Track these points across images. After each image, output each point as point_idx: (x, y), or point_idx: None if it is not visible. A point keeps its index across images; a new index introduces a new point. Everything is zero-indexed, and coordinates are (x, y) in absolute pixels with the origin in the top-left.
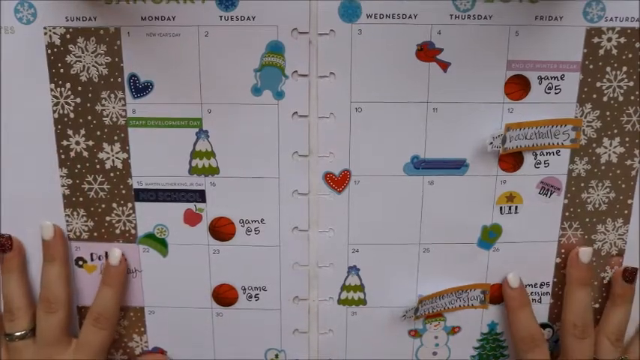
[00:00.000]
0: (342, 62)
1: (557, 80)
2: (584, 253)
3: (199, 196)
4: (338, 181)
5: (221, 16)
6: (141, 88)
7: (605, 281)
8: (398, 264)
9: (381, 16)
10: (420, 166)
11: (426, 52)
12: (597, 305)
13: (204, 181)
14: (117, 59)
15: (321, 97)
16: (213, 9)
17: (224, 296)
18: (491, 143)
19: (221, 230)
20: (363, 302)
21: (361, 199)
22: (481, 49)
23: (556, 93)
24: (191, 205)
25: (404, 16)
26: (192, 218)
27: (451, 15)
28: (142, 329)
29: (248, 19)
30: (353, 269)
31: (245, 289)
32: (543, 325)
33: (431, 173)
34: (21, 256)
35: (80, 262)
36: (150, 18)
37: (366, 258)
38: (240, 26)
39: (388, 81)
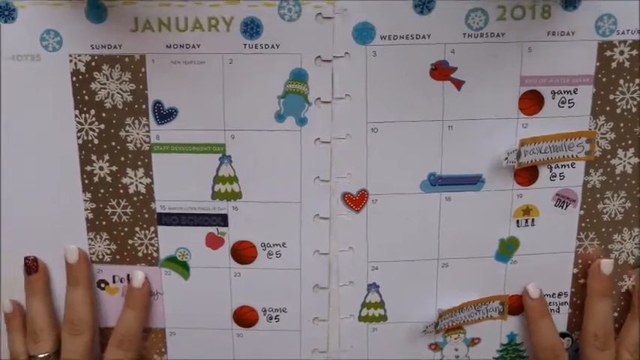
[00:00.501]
0: (357, 84)
1: (571, 94)
2: (606, 264)
3: (221, 220)
4: (356, 201)
5: (245, 44)
6: (165, 115)
7: (622, 290)
8: (417, 280)
9: (395, 37)
10: (437, 182)
11: (440, 71)
12: (616, 314)
13: (227, 205)
14: (141, 86)
15: (338, 118)
16: (237, 37)
17: (244, 317)
18: (507, 158)
19: (243, 253)
20: (383, 318)
21: (379, 218)
22: (494, 66)
23: (569, 107)
24: (213, 229)
25: (417, 37)
26: (214, 242)
27: (464, 34)
28: (163, 350)
29: (272, 47)
30: (373, 286)
31: (265, 310)
32: (562, 335)
33: (448, 190)
34: (45, 278)
35: (102, 285)
36: (175, 46)
37: (385, 275)
38: (264, 54)
39: (403, 101)
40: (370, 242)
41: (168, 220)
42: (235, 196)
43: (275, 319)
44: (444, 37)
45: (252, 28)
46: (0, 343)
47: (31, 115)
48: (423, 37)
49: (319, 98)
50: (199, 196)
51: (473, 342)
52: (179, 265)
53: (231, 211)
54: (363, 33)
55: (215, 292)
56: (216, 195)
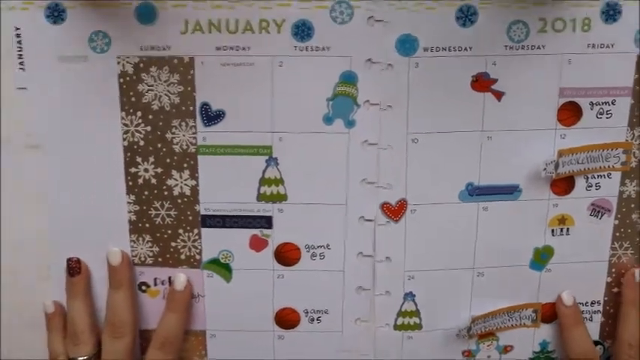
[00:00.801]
0: (399, 95)
1: (609, 105)
2: None
3: (266, 222)
4: (395, 211)
5: (296, 47)
6: (212, 117)
7: None
8: (453, 288)
9: (437, 49)
10: (475, 192)
11: (481, 82)
12: None
13: (272, 207)
14: (189, 88)
15: (379, 129)
16: (288, 39)
17: (286, 319)
18: (545, 169)
19: (286, 255)
20: (418, 327)
21: (417, 228)
22: (534, 77)
23: (607, 118)
24: (257, 231)
25: (459, 49)
26: (258, 244)
27: (505, 46)
28: (203, 352)
29: (323, 49)
30: (409, 295)
31: (307, 312)
32: (595, 343)
33: (485, 199)
34: (87, 280)
35: (143, 287)
36: (225, 48)
37: (421, 284)
38: (314, 56)
39: (444, 112)
40: (408, 252)
41: (212, 222)
42: (281, 198)
43: (317, 320)
44: (486, 49)
45: (303, 31)
46: (0, 341)
47: (77, 117)
48: (465, 49)
49: (368, 100)
50: (244, 198)
51: (505, 349)
52: (222, 267)
53: (276, 213)
54: (406, 45)
55: (257, 294)
56: (261, 197)
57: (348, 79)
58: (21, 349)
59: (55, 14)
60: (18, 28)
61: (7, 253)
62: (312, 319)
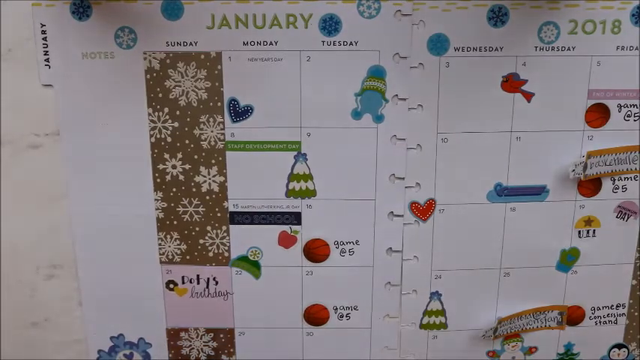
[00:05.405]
0: (429, 94)
1: (636, 107)
2: None
3: (295, 218)
4: (423, 210)
5: (324, 41)
6: (240, 112)
7: None
8: (479, 288)
9: (468, 49)
10: (503, 193)
11: (511, 83)
12: None
13: (301, 203)
14: (217, 84)
15: (409, 128)
16: (316, 34)
17: (315, 316)
18: (574, 170)
19: (316, 252)
20: (444, 326)
21: (445, 227)
22: (564, 79)
23: (635, 120)
24: (286, 228)
25: (490, 49)
26: (287, 240)
27: (536, 47)
28: (232, 350)
29: (351, 44)
30: (435, 295)
31: (337, 308)
32: (619, 346)
33: (513, 200)
34: None
35: (171, 286)
36: (252, 43)
37: (448, 283)
38: (342, 51)
39: (474, 112)
40: (435, 251)
41: (240, 219)
42: (310, 194)
43: (346, 316)
44: (516, 49)
45: (330, 25)
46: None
47: (103, 114)
48: (496, 49)
49: (396, 95)
50: (273, 194)
51: (530, 350)
52: (250, 264)
53: (305, 209)
54: (438, 44)
55: (286, 291)
56: (290, 193)
57: (377, 73)
58: (21, 349)
59: (81, 10)
60: (44, 25)
61: (7, 253)
62: (342, 316)
